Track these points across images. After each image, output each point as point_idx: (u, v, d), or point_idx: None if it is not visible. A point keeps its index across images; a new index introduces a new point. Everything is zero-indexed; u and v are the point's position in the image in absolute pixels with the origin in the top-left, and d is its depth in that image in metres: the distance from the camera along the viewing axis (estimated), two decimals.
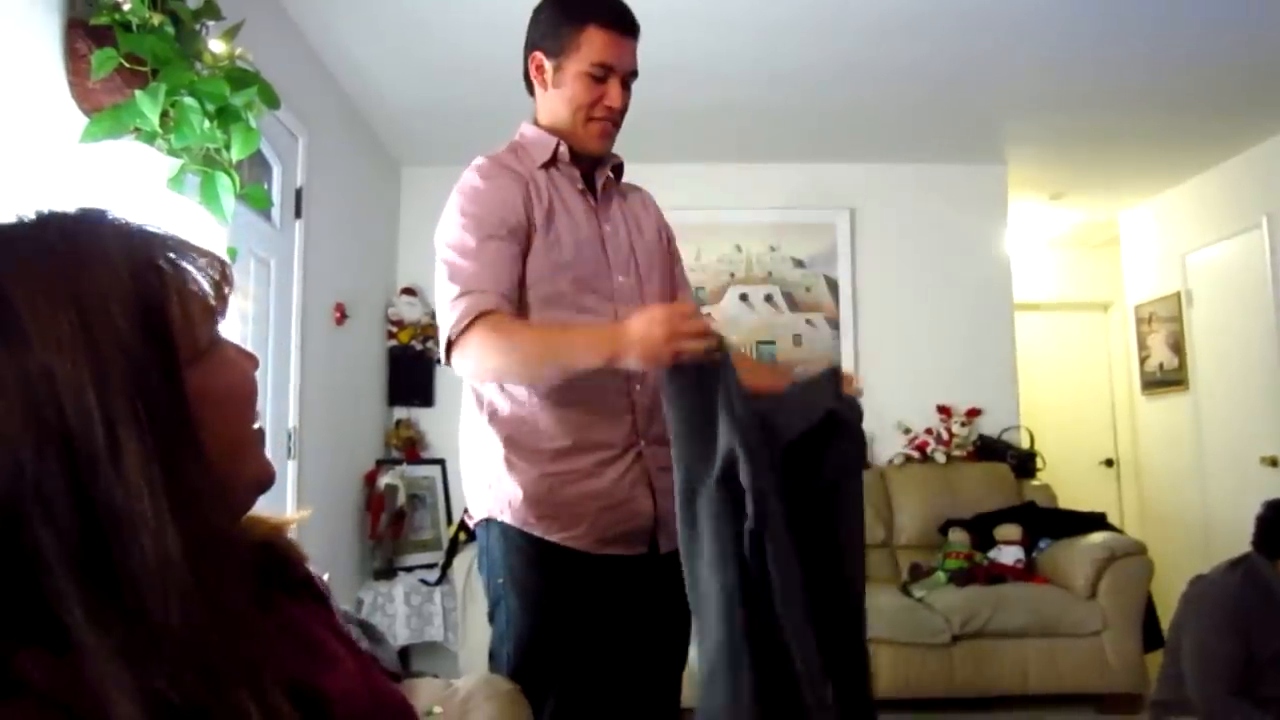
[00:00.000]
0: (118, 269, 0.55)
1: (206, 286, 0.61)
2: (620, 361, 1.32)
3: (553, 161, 1.59)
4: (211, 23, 1.86)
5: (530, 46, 1.60)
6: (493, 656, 1.58)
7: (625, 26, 1.55)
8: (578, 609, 1.51)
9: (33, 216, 0.58)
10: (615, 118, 1.58)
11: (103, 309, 0.53)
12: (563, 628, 1.50)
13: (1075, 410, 5.85)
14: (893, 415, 4.39)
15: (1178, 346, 5.01)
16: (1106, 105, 3.84)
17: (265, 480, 0.65)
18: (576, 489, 1.51)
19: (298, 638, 0.65)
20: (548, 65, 1.57)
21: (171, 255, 0.60)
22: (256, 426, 0.65)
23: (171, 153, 1.71)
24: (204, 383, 0.58)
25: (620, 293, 1.58)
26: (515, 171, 1.56)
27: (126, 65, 1.63)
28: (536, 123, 1.63)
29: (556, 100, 1.58)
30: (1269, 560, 2.29)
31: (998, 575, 3.63)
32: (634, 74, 1.59)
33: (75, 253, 0.55)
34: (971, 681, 3.36)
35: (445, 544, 3.85)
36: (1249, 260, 4.34)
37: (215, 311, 0.61)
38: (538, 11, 1.60)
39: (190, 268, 0.60)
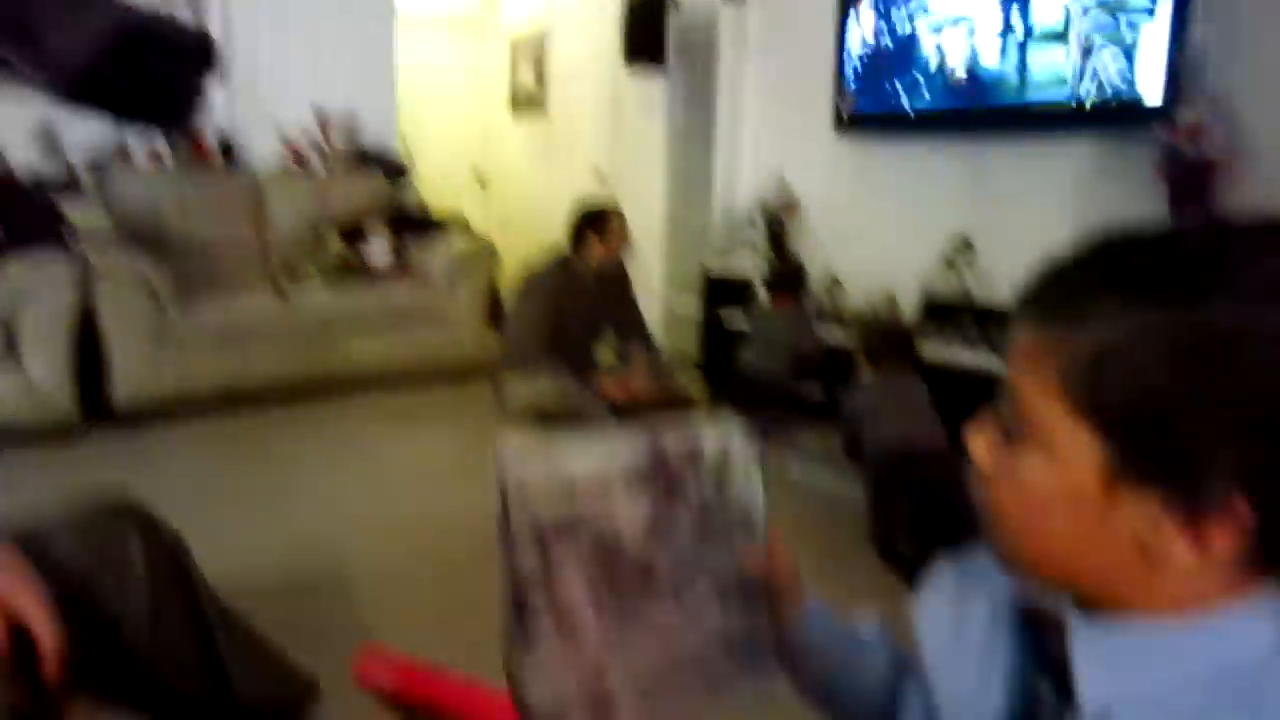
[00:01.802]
0: None
1: None
2: None
3: None
4: None
5: None
6: None
7: None
8: None
9: None
10: None
11: None
12: None
13: (450, 125, 6.21)
14: (269, 116, 4.14)
15: (540, 75, 5.58)
16: None
17: None
18: None
19: None
20: None
21: None
22: None
23: None
24: None
25: None
26: None
27: None
28: None
29: None
30: (576, 254, 2.89)
31: (369, 275, 3.86)
32: None
33: None
34: (344, 367, 3.65)
35: None
36: (603, 3, 4.88)
37: None
38: None
39: None
